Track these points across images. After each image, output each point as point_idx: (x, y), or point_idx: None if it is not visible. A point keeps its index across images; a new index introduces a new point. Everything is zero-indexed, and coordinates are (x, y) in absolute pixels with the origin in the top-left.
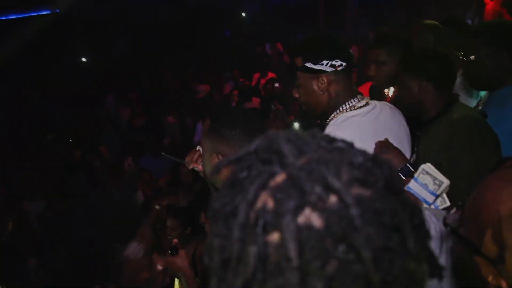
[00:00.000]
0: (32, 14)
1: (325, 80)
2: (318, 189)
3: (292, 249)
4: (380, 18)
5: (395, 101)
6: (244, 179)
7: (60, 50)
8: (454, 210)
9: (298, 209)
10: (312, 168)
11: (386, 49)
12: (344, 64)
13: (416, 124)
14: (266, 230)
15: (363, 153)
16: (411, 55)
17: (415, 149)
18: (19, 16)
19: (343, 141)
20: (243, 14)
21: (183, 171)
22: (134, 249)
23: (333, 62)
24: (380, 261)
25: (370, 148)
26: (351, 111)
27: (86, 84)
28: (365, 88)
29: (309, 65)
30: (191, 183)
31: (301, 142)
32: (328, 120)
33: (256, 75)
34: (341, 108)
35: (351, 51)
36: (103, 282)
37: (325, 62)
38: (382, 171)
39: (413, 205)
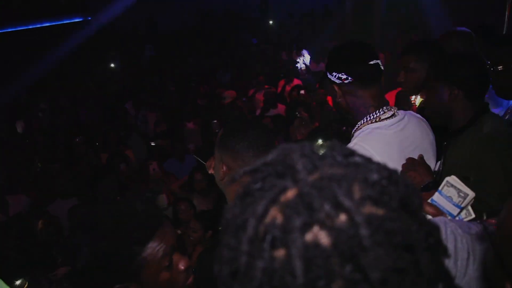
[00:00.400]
0: (65, 22)
1: (337, 90)
2: (327, 207)
3: (298, 267)
4: (407, 26)
5: (422, 108)
6: (256, 191)
7: (91, 57)
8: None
9: (306, 227)
10: (323, 185)
11: (415, 56)
12: (350, 78)
13: (443, 132)
14: (273, 246)
15: (379, 169)
16: (444, 61)
17: (441, 159)
18: (53, 23)
19: (361, 155)
20: (271, 22)
21: (196, 178)
22: (153, 250)
23: (340, 75)
24: (389, 282)
25: (394, 160)
26: (376, 123)
27: (115, 89)
28: (392, 95)
29: (327, 74)
30: (205, 189)
31: (315, 157)
32: (353, 131)
33: (281, 82)
34: (365, 119)
35: (370, 63)
36: (123, 282)
37: (334, 74)
38: (397, 189)
39: (430, 224)
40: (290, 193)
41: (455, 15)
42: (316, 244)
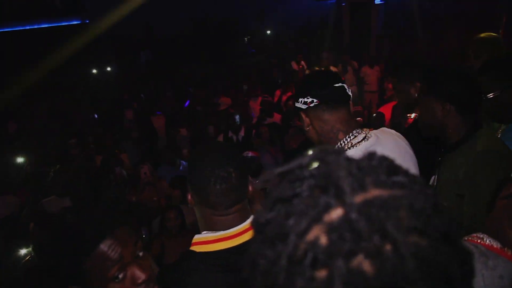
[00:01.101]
0: (63, 24)
1: (304, 118)
2: (376, 238)
3: None
4: (402, 40)
5: (416, 121)
6: (296, 202)
7: (87, 60)
8: None
9: (352, 254)
10: (371, 212)
11: (398, 78)
12: (315, 100)
13: (436, 147)
14: (314, 266)
15: (424, 194)
16: (434, 76)
17: (436, 174)
18: (51, 25)
19: (404, 173)
20: (268, 32)
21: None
22: (96, 260)
23: (305, 99)
24: None
25: None
26: (348, 150)
27: (111, 93)
28: (388, 108)
29: (295, 104)
30: None
31: (361, 175)
32: None
33: (278, 92)
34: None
35: (334, 85)
36: (70, 285)
37: (300, 100)
38: (441, 219)
39: (465, 251)
40: (335, 214)
41: (447, 30)
42: (359, 271)
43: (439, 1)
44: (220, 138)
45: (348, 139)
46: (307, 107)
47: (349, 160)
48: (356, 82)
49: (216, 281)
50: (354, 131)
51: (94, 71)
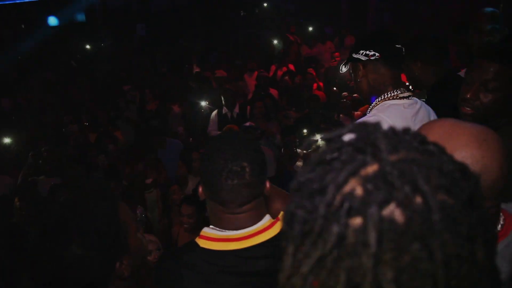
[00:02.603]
0: None
1: (361, 68)
2: (407, 188)
3: (372, 237)
4: (401, 14)
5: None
6: (333, 160)
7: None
8: None
9: (384, 202)
10: (404, 167)
11: None
12: (377, 54)
13: None
14: (349, 214)
15: (453, 161)
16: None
17: None
18: None
19: (435, 144)
20: (265, 4)
21: (194, 157)
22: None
23: (367, 52)
24: (449, 265)
25: None
26: (394, 100)
27: (106, 68)
28: None
29: (353, 54)
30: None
31: (396, 140)
32: (369, 109)
33: (273, 67)
34: (383, 96)
35: (396, 46)
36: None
37: (361, 51)
38: (468, 183)
39: (489, 220)
40: (371, 168)
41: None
42: (391, 220)
43: None
44: (214, 114)
45: (396, 92)
46: (367, 59)
47: (387, 126)
48: None
49: (213, 281)
50: (402, 88)
51: (88, 46)
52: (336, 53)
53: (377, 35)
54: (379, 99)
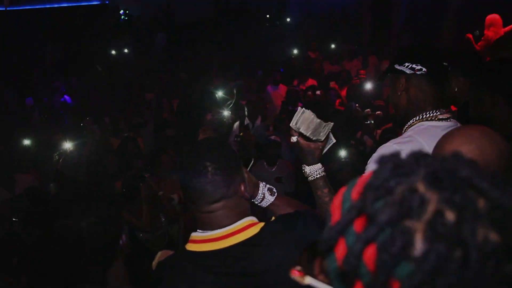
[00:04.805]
0: (83, 4)
1: (403, 82)
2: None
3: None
4: (423, 36)
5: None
6: (408, 166)
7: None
8: None
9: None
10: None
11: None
12: (424, 69)
13: None
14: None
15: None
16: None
17: None
18: (70, 4)
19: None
20: (288, 19)
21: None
22: None
23: (414, 66)
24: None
25: None
26: (432, 121)
27: (127, 76)
28: None
29: (395, 66)
30: None
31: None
32: (406, 126)
33: (295, 82)
34: (420, 116)
35: (445, 64)
36: None
37: (407, 64)
38: None
39: None
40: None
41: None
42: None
43: None
44: (236, 126)
45: (435, 113)
46: (412, 73)
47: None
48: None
49: (199, 282)
50: (441, 108)
51: (113, 52)
52: (362, 71)
53: (425, 49)
54: (416, 119)
